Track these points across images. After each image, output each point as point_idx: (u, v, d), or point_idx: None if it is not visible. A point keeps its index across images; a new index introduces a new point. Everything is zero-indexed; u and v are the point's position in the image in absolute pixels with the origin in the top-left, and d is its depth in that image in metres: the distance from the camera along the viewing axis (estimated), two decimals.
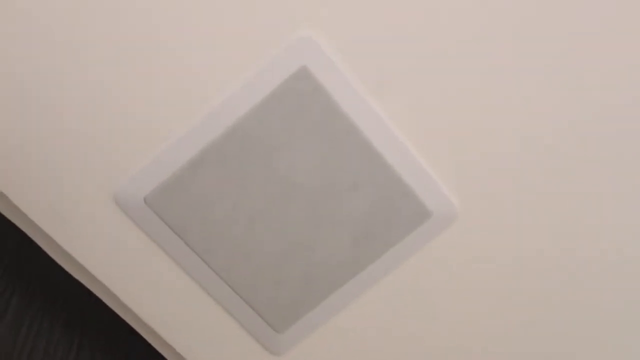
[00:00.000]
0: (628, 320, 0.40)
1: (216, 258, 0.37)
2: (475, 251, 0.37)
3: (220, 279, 0.37)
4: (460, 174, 0.35)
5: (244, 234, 0.36)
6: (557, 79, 0.33)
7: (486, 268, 0.38)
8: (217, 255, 0.37)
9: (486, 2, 0.31)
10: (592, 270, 0.38)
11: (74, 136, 0.34)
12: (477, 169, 0.35)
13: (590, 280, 0.39)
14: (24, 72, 0.32)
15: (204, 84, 0.33)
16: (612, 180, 0.36)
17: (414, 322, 0.40)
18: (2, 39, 0.31)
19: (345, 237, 0.36)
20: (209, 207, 0.36)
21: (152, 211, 0.35)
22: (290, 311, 0.38)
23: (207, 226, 0.36)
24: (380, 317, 0.40)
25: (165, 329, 0.40)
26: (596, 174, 0.36)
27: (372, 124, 0.34)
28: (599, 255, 0.38)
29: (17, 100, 0.33)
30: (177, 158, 0.34)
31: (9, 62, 0.32)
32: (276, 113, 0.33)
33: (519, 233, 0.37)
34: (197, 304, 0.39)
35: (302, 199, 0.35)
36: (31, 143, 0.34)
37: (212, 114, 0.33)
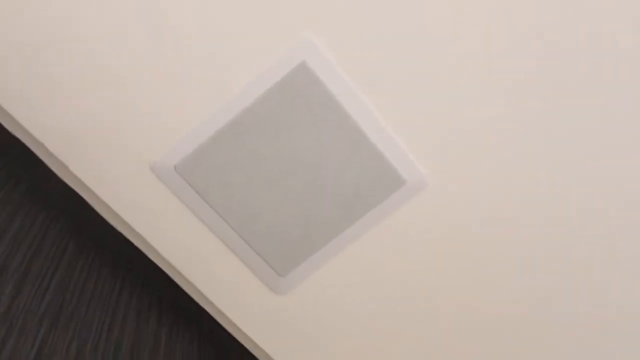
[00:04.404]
0: (600, 286, 0.41)
1: (232, 216, 0.39)
2: (445, 213, 0.40)
3: (235, 233, 0.40)
4: (431, 150, 0.38)
5: (255, 196, 0.38)
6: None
7: (457, 225, 0.40)
8: (233, 213, 0.39)
9: (460, 25, 0.33)
10: (564, 235, 0.40)
11: (119, 121, 0.36)
12: (445, 146, 0.38)
13: (562, 245, 0.40)
14: (104, 64, 0.34)
15: (225, 76, 0.35)
16: (583, 144, 0.36)
17: (392, 268, 0.42)
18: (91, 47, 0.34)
19: (337, 199, 0.39)
20: (227, 175, 0.37)
21: (180, 177, 0.38)
22: (291, 259, 0.41)
23: (225, 190, 0.38)
24: (365, 264, 0.42)
25: (191, 273, 0.42)
26: (564, 135, 0.36)
27: (359, 110, 0.36)
28: (567, 221, 0.39)
29: (88, 92, 0.35)
30: (202, 134, 0.36)
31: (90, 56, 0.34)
32: (281, 99, 0.35)
33: (485, 201, 0.39)
34: (215, 253, 0.41)
35: (303, 169, 0.37)
36: (93, 124, 0.36)
37: (230, 99, 0.35)
